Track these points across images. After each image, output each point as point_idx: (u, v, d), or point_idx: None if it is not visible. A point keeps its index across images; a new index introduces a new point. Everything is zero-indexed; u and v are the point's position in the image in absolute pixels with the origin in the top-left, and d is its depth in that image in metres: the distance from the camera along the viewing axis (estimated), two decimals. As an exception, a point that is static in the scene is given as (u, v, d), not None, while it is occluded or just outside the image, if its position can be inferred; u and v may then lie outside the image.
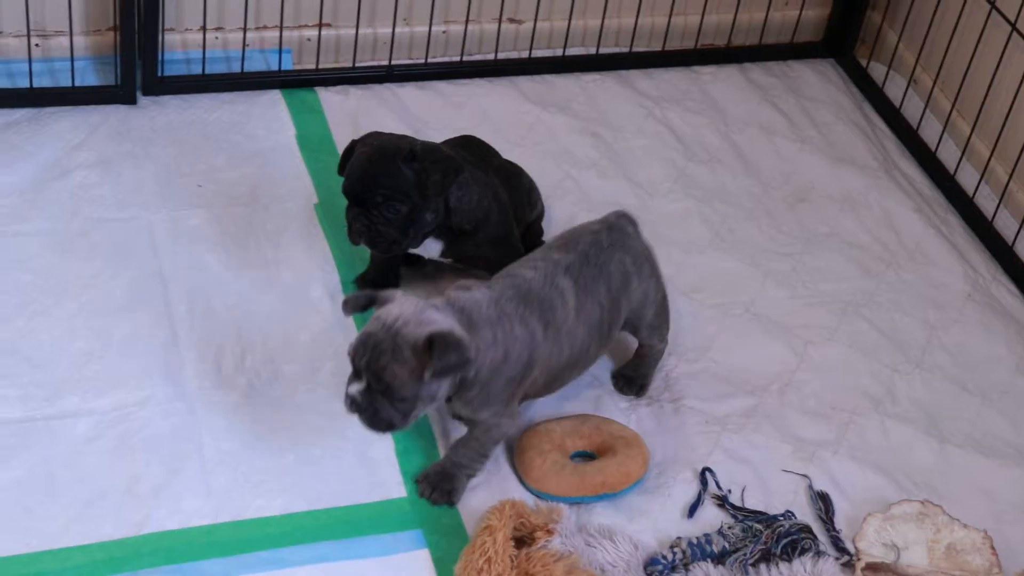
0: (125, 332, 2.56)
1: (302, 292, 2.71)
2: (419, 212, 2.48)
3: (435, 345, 2.10)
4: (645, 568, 2.27)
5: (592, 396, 2.58)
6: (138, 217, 2.79)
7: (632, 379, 2.59)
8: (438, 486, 2.35)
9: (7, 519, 2.23)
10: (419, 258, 2.71)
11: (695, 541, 2.31)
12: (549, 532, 2.26)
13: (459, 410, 2.30)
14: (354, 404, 2.16)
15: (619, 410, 2.56)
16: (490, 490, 2.40)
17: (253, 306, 2.66)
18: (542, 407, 2.54)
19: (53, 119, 2.96)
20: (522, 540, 2.26)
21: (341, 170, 2.53)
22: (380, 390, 2.13)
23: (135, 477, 2.32)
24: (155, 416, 2.42)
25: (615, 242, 2.43)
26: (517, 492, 2.40)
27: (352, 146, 2.53)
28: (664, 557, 2.28)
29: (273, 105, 3.12)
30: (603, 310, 2.38)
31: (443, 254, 2.62)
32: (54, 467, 2.32)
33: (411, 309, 2.15)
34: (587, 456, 2.47)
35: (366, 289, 2.69)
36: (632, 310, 2.46)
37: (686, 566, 2.27)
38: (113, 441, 2.38)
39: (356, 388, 2.15)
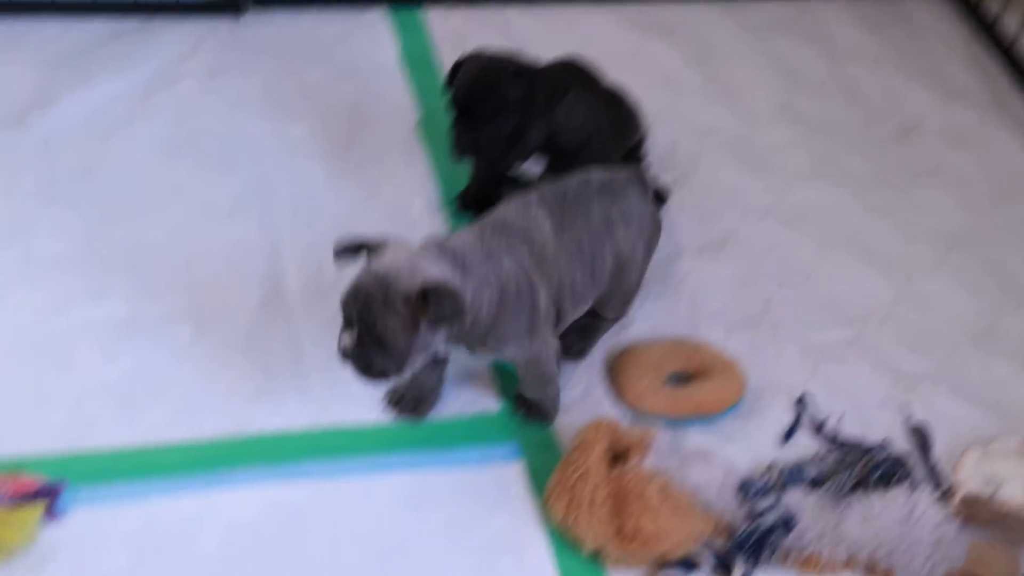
0: (229, 239, 2.60)
1: (402, 208, 2.72)
2: (525, 128, 2.48)
3: (429, 297, 2.04)
4: (738, 490, 2.27)
5: (690, 319, 2.58)
6: (243, 126, 2.81)
7: (571, 345, 2.46)
8: (530, 409, 2.36)
9: (113, 414, 2.28)
10: (519, 178, 2.71)
11: (789, 466, 2.31)
12: (643, 450, 2.27)
13: (484, 354, 2.23)
14: (346, 354, 2.11)
15: (717, 334, 2.55)
16: (585, 408, 2.41)
17: (354, 219, 2.68)
18: (638, 330, 2.55)
19: (163, 29, 2.99)
20: (616, 458, 2.27)
21: (449, 82, 2.53)
22: (372, 340, 2.08)
23: (236, 379, 2.36)
24: (257, 321, 2.45)
25: (605, 190, 2.34)
26: (612, 411, 2.40)
27: (461, 60, 2.53)
28: (758, 480, 2.28)
29: (378, 22, 3.12)
30: (583, 242, 2.29)
31: (548, 172, 2.61)
32: (158, 366, 2.36)
33: (403, 258, 2.09)
34: (683, 379, 2.47)
35: (465, 206, 2.71)
36: (617, 258, 2.34)
37: (780, 490, 2.27)
38: (216, 344, 2.41)
39: (348, 338, 2.10)
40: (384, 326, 2.06)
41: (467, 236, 2.20)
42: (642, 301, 2.60)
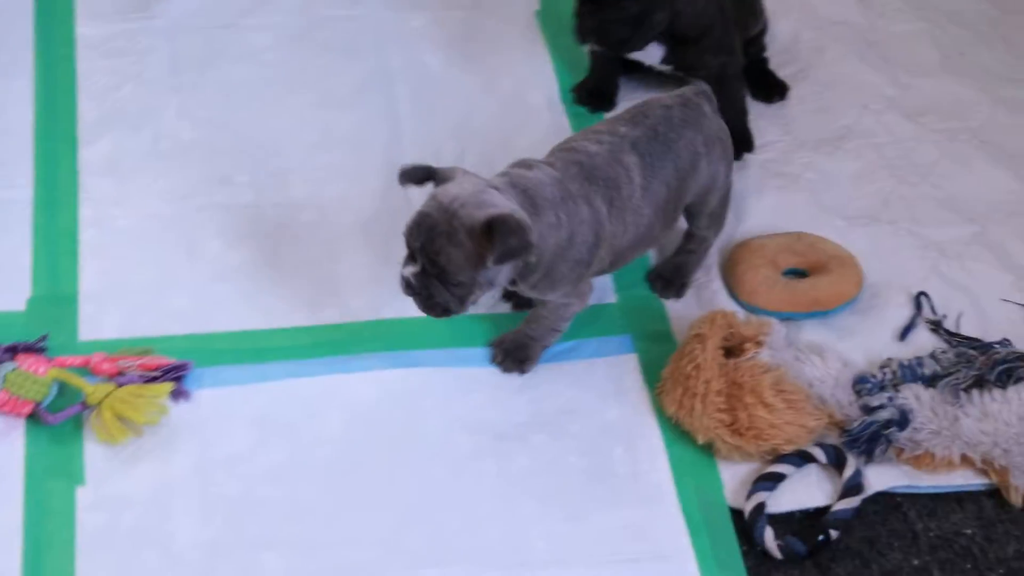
0: (350, 126, 2.63)
1: (521, 98, 2.73)
2: (649, 12, 2.46)
3: (495, 230, 1.97)
4: (854, 385, 2.26)
5: (807, 214, 2.56)
6: (365, 16, 2.83)
7: (671, 281, 2.42)
8: (511, 354, 2.29)
9: (239, 297, 2.34)
10: (639, 66, 2.69)
11: (906, 363, 2.29)
12: (758, 344, 2.27)
13: (525, 292, 2.19)
14: (408, 287, 2.08)
15: (834, 229, 2.53)
16: (700, 301, 2.41)
17: (473, 109, 2.69)
18: (755, 224, 2.54)
19: (283, -85, 3.01)
20: (731, 351, 2.28)
21: None
22: (435, 273, 2.04)
23: (356, 266, 2.40)
24: (377, 209, 2.49)
25: (687, 119, 2.26)
26: (727, 305, 2.40)
27: None
28: (874, 376, 2.27)
29: (498, -92, 3.10)
30: (669, 190, 2.23)
31: (664, 61, 2.59)
32: (283, 251, 2.41)
33: (470, 189, 2.03)
34: (799, 274, 2.46)
35: (583, 99, 2.70)
36: (696, 194, 2.29)
37: (896, 387, 2.26)
38: (336, 230, 2.46)
39: (410, 270, 2.06)
40: (448, 258, 2.02)
41: (547, 174, 2.13)
42: (759, 195, 2.58)
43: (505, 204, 2.03)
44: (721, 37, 2.57)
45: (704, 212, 2.35)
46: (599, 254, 2.17)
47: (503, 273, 2.08)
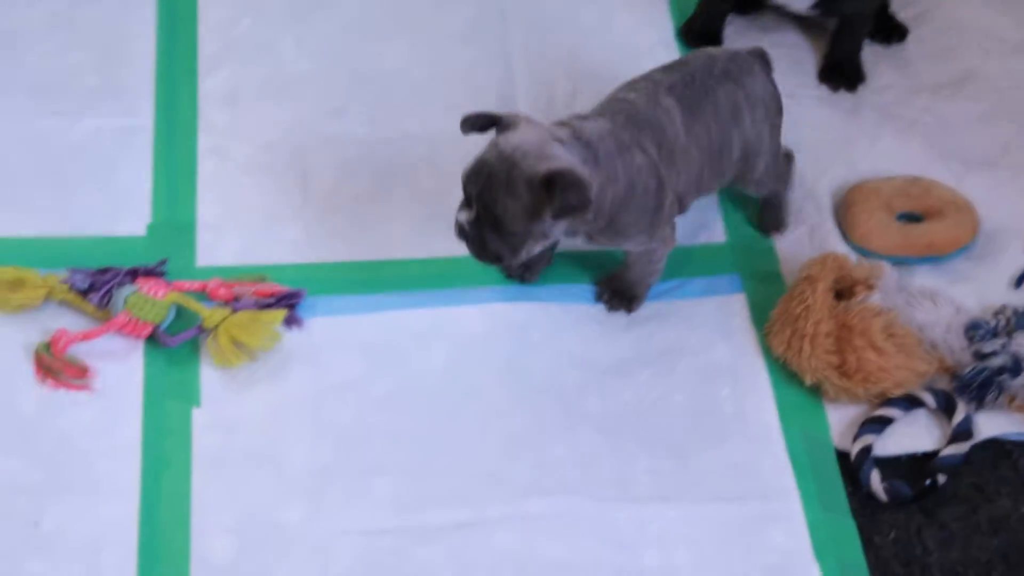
0: (463, 63, 2.63)
1: (634, 37, 2.71)
2: None
3: (556, 184, 1.95)
4: (966, 331, 2.24)
5: (924, 158, 2.52)
6: (479, -47, 2.83)
7: (767, 220, 2.40)
8: (618, 293, 2.28)
9: (351, 228, 2.36)
10: (753, 3, 2.66)
11: (1021, 310, 2.26)
12: (870, 287, 2.25)
13: (601, 243, 2.17)
14: (462, 232, 2.06)
15: (951, 174, 2.49)
16: (812, 243, 2.40)
17: (587, 46, 2.68)
18: (869, 167, 2.51)
19: None
20: (841, 293, 2.26)
21: None
22: (489, 221, 2.02)
23: (467, 201, 2.42)
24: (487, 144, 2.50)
25: (730, 72, 2.21)
26: (839, 248, 2.38)
27: None
28: (987, 322, 2.24)
29: None
30: (711, 132, 2.18)
31: (814, 6, 2.54)
32: (394, 185, 2.43)
33: (533, 139, 2.00)
34: (914, 218, 2.43)
35: (690, 39, 2.67)
36: (742, 150, 2.23)
37: (1009, 334, 2.23)
38: (448, 167, 2.46)
39: (465, 216, 2.04)
40: (504, 208, 1.99)
41: (602, 124, 2.10)
42: (875, 138, 2.55)
43: (567, 158, 2.00)
44: None
45: (751, 178, 2.29)
46: (667, 196, 2.14)
47: (559, 226, 2.06)
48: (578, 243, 2.21)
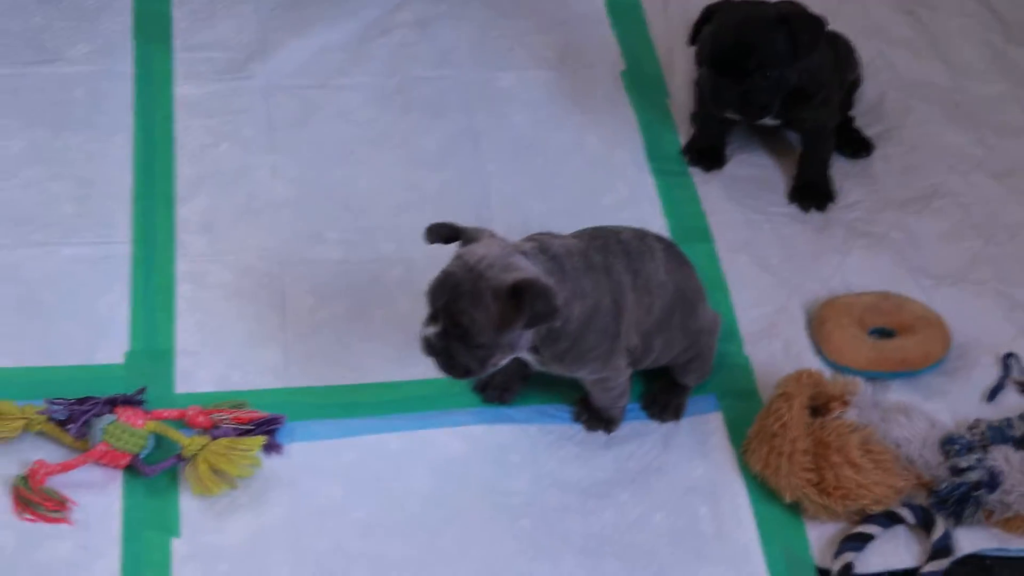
0: (438, 185, 2.67)
1: (607, 157, 2.76)
2: (787, 76, 2.48)
3: (523, 293, 1.95)
4: (942, 446, 2.26)
5: (894, 273, 2.56)
6: (452, 76, 2.87)
7: (666, 404, 2.35)
8: (595, 415, 2.29)
9: (328, 352, 2.38)
10: (738, 121, 2.72)
11: (995, 424, 2.28)
12: (845, 403, 2.27)
13: (552, 367, 2.16)
14: (429, 347, 2.05)
15: (921, 289, 2.53)
16: (787, 359, 2.42)
17: (559, 168, 2.72)
18: (841, 283, 2.54)
19: (377, -22, 3.07)
20: (817, 410, 2.28)
21: (693, 40, 2.55)
22: (457, 335, 2.01)
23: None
24: (465, 266, 2.52)
25: (691, 265, 2.30)
26: (813, 363, 2.41)
27: (707, 14, 2.53)
28: (962, 437, 2.26)
29: (584, -29, 3.15)
30: (685, 291, 2.24)
31: (775, 116, 2.60)
32: (370, 307, 2.45)
33: (497, 251, 2.01)
34: (886, 333, 2.46)
35: (695, 159, 2.72)
36: (709, 325, 2.30)
37: (984, 448, 2.25)
38: (425, 286, 2.46)
39: (432, 331, 2.03)
40: (471, 319, 1.98)
41: (572, 242, 2.14)
42: (845, 254, 2.59)
43: (531, 269, 2.02)
44: (829, 92, 2.59)
45: (703, 356, 2.33)
46: (624, 326, 2.15)
47: (525, 337, 2.06)
48: (534, 367, 2.21)
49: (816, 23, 2.48)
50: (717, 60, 2.47)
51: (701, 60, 2.52)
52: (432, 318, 2.05)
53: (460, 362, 2.05)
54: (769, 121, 2.63)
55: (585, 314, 2.09)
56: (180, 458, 2.16)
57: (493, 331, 2.00)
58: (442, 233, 2.08)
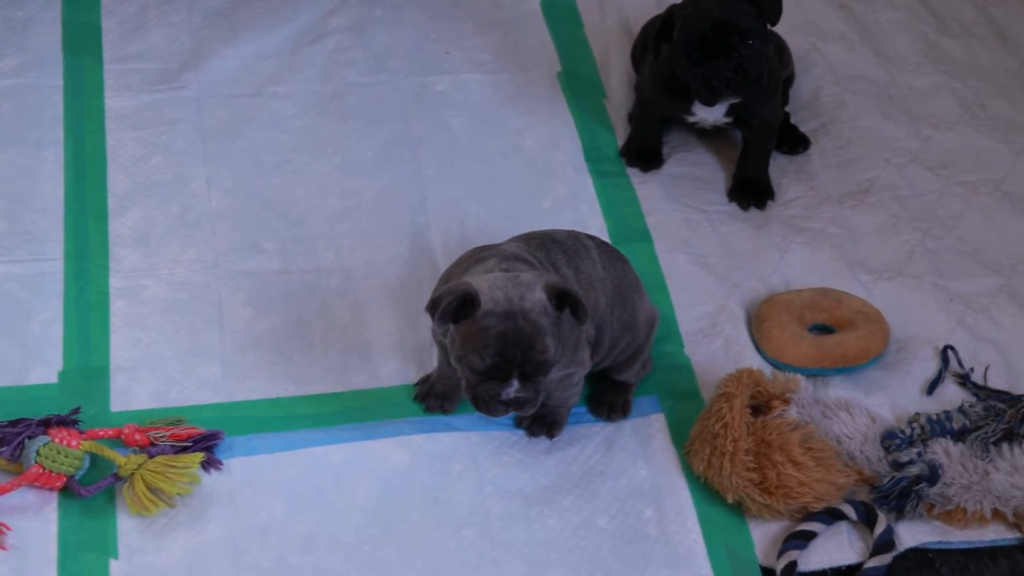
0: (375, 192, 2.65)
1: (544, 159, 2.75)
2: (765, 47, 2.51)
3: (564, 295, 2.03)
4: (882, 441, 2.26)
5: (833, 268, 2.57)
6: (388, 82, 2.86)
7: (613, 402, 2.35)
8: (539, 419, 2.29)
9: (267, 365, 2.36)
10: (677, 122, 2.72)
11: (935, 417, 2.29)
12: (786, 401, 2.27)
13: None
14: (519, 402, 2.06)
15: (860, 283, 2.54)
16: (728, 358, 2.42)
17: (497, 171, 2.71)
18: (781, 280, 2.54)
19: (310, -16, 3.05)
20: (758, 408, 2.28)
21: (661, 40, 2.55)
22: (534, 372, 2.05)
23: (384, 332, 2.42)
24: (403, 274, 2.51)
25: (625, 260, 2.34)
26: (753, 361, 2.41)
27: (670, 13, 2.54)
28: (902, 431, 2.27)
29: (519, -28, 3.14)
30: (620, 287, 2.27)
31: (728, 113, 2.61)
32: (309, 318, 2.43)
33: (510, 284, 2.04)
34: (825, 329, 2.47)
35: (633, 160, 2.72)
36: (644, 318, 2.31)
37: (924, 442, 2.26)
38: (364, 296, 2.48)
39: (514, 388, 2.05)
40: (547, 348, 2.03)
41: (514, 244, 2.19)
42: (784, 251, 2.59)
43: (534, 275, 2.07)
44: (771, 80, 2.60)
45: (637, 356, 2.34)
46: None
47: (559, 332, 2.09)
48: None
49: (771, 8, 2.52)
50: (703, 46, 2.48)
51: (684, 53, 2.51)
52: (503, 380, 2.05)
53: (542, 391, 2.09)
54: (722, 119, 2.64)
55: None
56: (116, 477, 2.13)
57: (555, 342, 2.05)
58: (451, 309, 2.03)
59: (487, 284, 2.05)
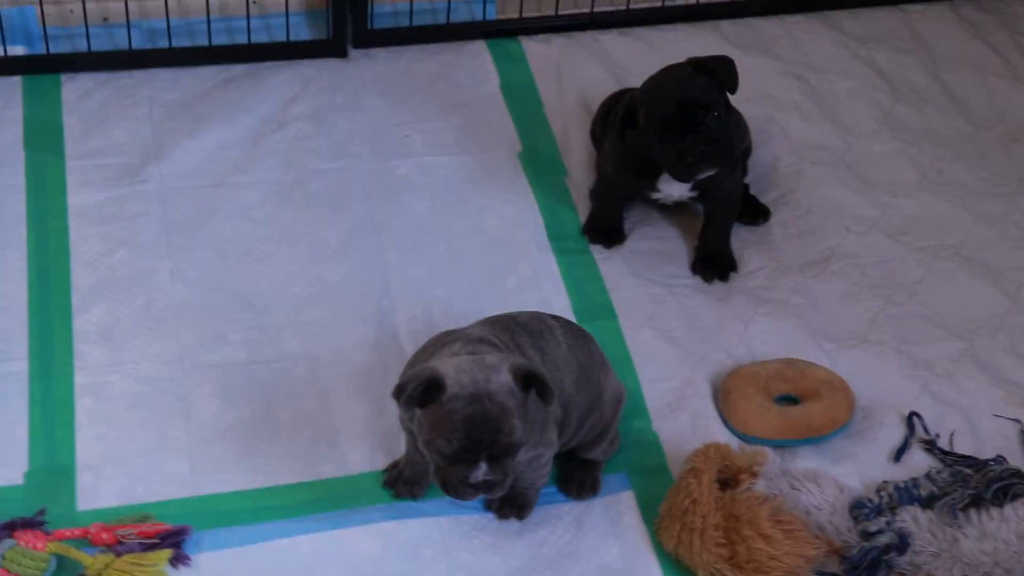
0: (340, 278, 2.66)
1: (508, 239, 2.76)
2: (730, 117, 2.54)
3: (529, 376, 2.04)
4: (851, 511, 2.27)
5: (796, 338, 2.58)
6: (350, 167, 2.88)
7: (582, 480, 2.35)
8: (508, 500, 2.27)
9: (234, 456, 2.35)
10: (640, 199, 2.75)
11: (902, 485, 2.30)
12: (753, 475, 2.28)
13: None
14: (487, 486, 2.06)
15: (823, 353, 2.55)
16: (695, 432, 2.43)
17: (460, 253, 2.73)
18: (745, 352, 2.56)
19: (270, 74, 3.06)
20: (726, 482, 2.28)
21: (626, 128, 2.58)
22: (502, 455, 2.05)
23: (352, 418, 2.42)
24: (370, 360, 2.51)
25: (590, 338, 2.36)
26: (721, 434, 2.42)
27: (632, 102, 2.57)
28: (870, 500, 2.27)
29: (478, 55, 3.17)
30: (585, 368, 2.28)
31: (693, 188, 2.64)
32: (276, 407, 2.43)
33: (476, 367, 2.05)
34: (791, 400, 2.48)
35: (595, 237, 2.75)
36: (610, 396, 2.33)
37: (893, 510, 2.26)
38: (330, 383, 2.48)
39: (482, 471, 2.04)
40: (513, 430, 2.03)
41: (479, 328, 2.21)
42: (748, 323, 2.61)
43: (500, 357, 2.08)
44: (736, 156, 2.63)
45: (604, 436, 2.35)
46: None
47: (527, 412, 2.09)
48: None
49: (727, 60, 2.56)
50: (673, 125, 2.50)
51: (654, 135, 2.53)
52: (471, 463, 2.04)
53: (511, 475, 2.09)
54: (687, 194, 2.66)
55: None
56: (84, 578, 2.12)
57: (524, 424, 2.05)
58: (417, 393, 2.04)
59: (452, 368, 2.06)
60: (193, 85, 3.02)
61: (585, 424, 2.29)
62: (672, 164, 2.53)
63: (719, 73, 2.53)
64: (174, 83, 3.02)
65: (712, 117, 2.50)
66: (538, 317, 2.29)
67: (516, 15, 3.22)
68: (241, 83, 3.04)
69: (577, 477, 2.34)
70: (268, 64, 3.09)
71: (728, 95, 2.57)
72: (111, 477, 2.30)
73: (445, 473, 2.07)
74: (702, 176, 2.55)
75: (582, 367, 2.27)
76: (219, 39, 3.08)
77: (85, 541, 2.18)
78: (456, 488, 2.07)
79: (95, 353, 2.49)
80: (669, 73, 2.56)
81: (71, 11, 3.03)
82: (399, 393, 2.05)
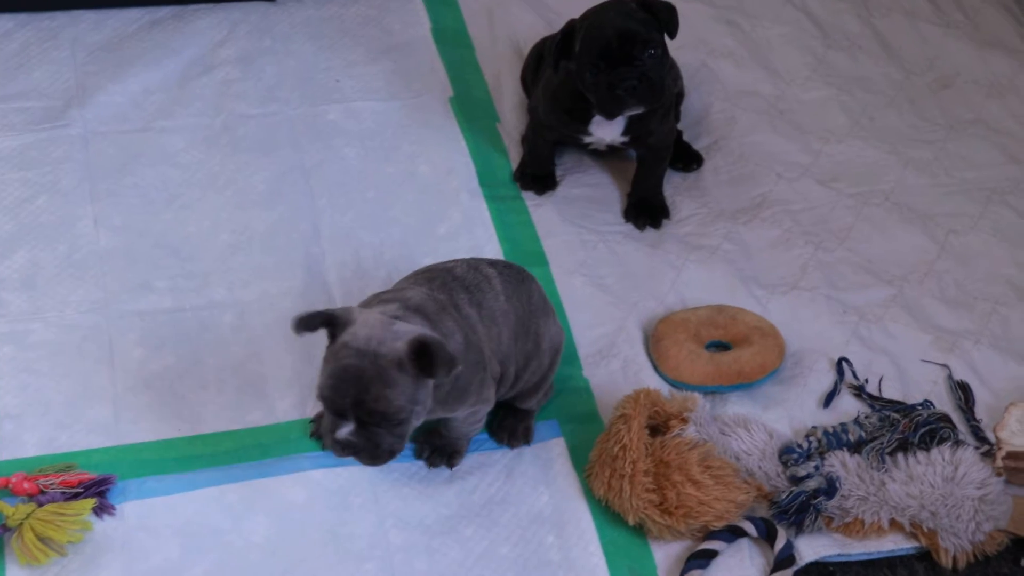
0: (268, 225, 2.62)
1: (439, 185, 2.74)
2: (665, 58, 2.52)
3: (429, 349, 1.95)
4: (780, 456, 2.28)
5: (728, 285, 2.58)
6: (279, 112, 2.83)
7: (514, 428, 2.34)
8: (438, 449, 2.27)
9: (161, 405, 2.32)
10: (571, 144, 2.72)
11: (831, 430, 2.31)
12: (684, 421, 2.28)
13: (434, 413, 2.11)
14: (349, 447, 2.00)
15: (754, 300, 2.55)
16: (626, 378, 2.42)
17: (391, 199, 2.70)
18: (677, 299, 2.55)
19: (196, 16, 3.00)
20: (656, 428, 2.28)
21: (561, 55, 2.54)
22: (374, 422, 1.98)
23: (280, 365, 2.39)
24: (299, 307, 2.47)
25: (531, 278, 2.32)
26: (652, 381, 2.42)
27: (570, 28, 2.53)
28: (799, 446, 2.28)
29: (409, 0, 3.13)
30: (523, 318, 2.24)
31: (624, 131, 2.62)
32: (203, 355, 2.40)
33: (380, 327, 1.98)
34: (722, 346, 2.48)
35: (527, 184, 2.72)
36: (549, 342, 2.29)
37: (822, 455, 2.28)
38: (259, 331, 2.45)
39: (346, 430, 1.99)
40: (387, 401, 1.96)
41: (419, 290, 2.14)
42: (679, 269, 2.60)
43: (413, 328, 2.01)
44: (669, 101, 2.61)
45: (542, 383, 2.33)
46: (486, 355, 2.15)
47: (429, 394, 2.03)
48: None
49: (671, 6, 2.53)
50: (607, 55, 2.47)
51: (587, 64, 2.50)
52: (339, 417, 1.99)
53: (385, 447, 2.01)
54: (619, 138, 2.64)
55: (459, 350, 2.08)
56: (4, 528, 2.08)
57: (408, 402, 1.98)
58: (311, 323, 2.01)
59: (363, 319, 2.01)
60: (117, 27, 2.96)
61: (523, 376, 2.27)
62: (601, 95, 2.50)
63: (662, 15, 2.51)
64: (98, 25, 2.96)
65: (648, 54, 2.47)
66: (475, 267, 2.24)
67: (447, -42, 3.18)
68: (167, 25, 2.98)
69: (509, 425, 2.33)
70: (195, 7, 3.03)
71: (667, 40, 2.54)
72: (33, 426, 2.26)
73: (321, 421, 2.03)
74: (630, 112, 2.53)
75: (519, 318, 2.24)
76: (145, -20, 3.02)
77: (6, 491, 2.15)
78: (326, 438, 2.03)
79: (16, 300, 2.44)
80: (612, 5, 2.53)
81: (-10, -50, 2.95)
82: (299, 320, 2.00)
